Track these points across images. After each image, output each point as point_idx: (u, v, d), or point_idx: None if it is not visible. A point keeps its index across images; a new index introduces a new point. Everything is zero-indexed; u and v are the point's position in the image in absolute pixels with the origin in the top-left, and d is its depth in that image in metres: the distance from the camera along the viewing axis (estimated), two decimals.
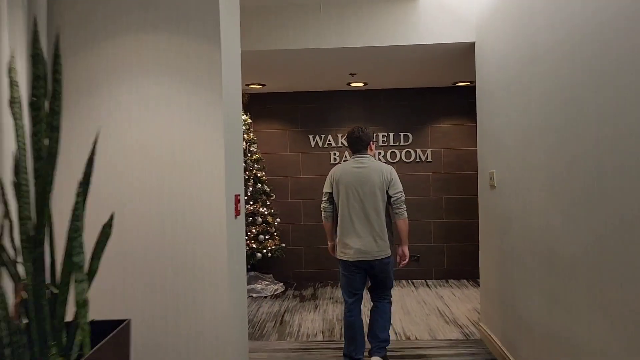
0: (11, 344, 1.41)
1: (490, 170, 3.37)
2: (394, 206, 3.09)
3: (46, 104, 1.51)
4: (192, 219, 2.37)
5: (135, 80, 2.37)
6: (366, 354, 3.21)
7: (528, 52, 2.62)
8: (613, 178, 1.80)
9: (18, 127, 1.51)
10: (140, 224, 2.37)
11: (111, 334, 1.54)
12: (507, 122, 3.00)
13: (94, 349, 1.44)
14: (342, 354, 3.24)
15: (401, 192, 3.10)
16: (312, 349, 3.59)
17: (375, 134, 5.73)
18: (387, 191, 3.08)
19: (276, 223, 5.39)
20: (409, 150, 5.81)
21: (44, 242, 1.48)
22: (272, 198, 5.52)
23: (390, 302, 3.26)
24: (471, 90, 5.29)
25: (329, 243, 3.35)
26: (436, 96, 5.79)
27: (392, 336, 3.63)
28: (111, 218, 1.66)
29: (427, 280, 5.78)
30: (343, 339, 3.42)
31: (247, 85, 5.33)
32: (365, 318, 3.51)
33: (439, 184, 5.82)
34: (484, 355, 3.37)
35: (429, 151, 5.80)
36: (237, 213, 2.65)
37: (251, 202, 5.19)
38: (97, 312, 2.27)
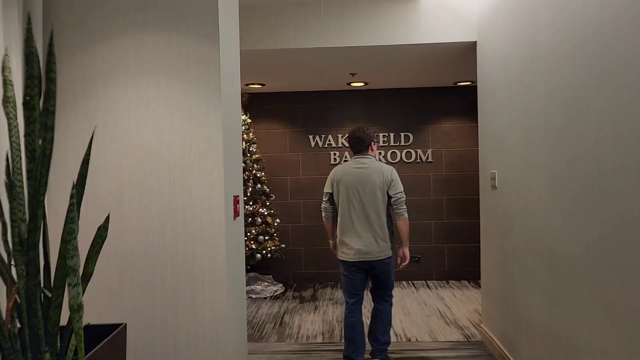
0: (3, 350, 1.38)
1: (491, 171, 3.34)
2: (394, 206, 3.07)
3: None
4: (191, 220, 2.36)
5: (134, 80, 2.36)
6: (367, 355, 3.18)
7: (529, 52, 2.59)
8: (613, 178, 1.79)
9: (11, 127, 1.48)
10: (138, 225, 2.36)
11: (106, 340, 1.50)
12: (508, 121, 2.97)
13: (88, 355, 1.41)
14: (342, 356, 3.21)
15: (401, 192, 3.09)
16: (312, 350, 3.56)
17: (375, 134, 5.69)
18: (387, 192, 3.06)
19: (276, 224, 5.36)
20: (410, 150, 5.78)
21: (37, 245, 1.45)
22: (271, 198, 5.49)
23: (391, 304, 3.25)
24: (472, 90, 5.26)
25: (330, 242, 3.34)
26: (437, 96, 5.76)
27: (392, 338, 3.60)
28: (107, 220, 1.63)
29: (427, 281, 5.75)
30: (343, 340, 3.39)
31: (247, 85, 5.30)
32: (366, 319, 3.48)
33: (439, 185, 5.78)
34: (485, 358, 3.34)
35: (429, 151, 5.77)
36: (236, 214, 2.62)
37: (251, 203, 5.16)
38: (96, 312, 2.27)
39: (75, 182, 1.50)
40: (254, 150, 5.28)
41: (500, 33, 3.12)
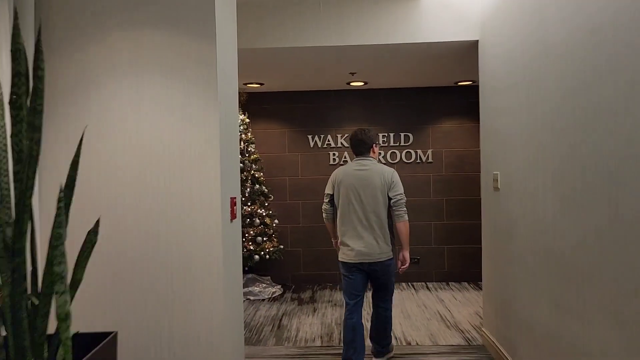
0: None
1: (494, 172, 3.28)
2: (394, 208, 3.05)
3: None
4: (187, 222, 2.31)
5: (128, 79, 2.30)
6: (368, 355, 3.14)
7: (536, 48, 2.52)
8: (622, 181, 1.73)
9: None
10: (132, 228, 2.30)
11: (94, 349, 1.44)
12: (513, 121, 2.90)
13: None
14: None
15: (402, 194, 3.07)
16: (310, 354, 3.51)
17: (376, 135, 5.63)
18: (387, 194, 3.04)
19: (274, 224, 5.29)
20: (410, 150, 5.72)
21: (24, 251, 1.39)
22: (270, 199, 5.43)
23: (391, 307, 3.22)
24: (473, 89, 5.19)
25: (333, 240, 3.34)
26: (437, 96, 5.70)
27: (392, 341, 3.54)
28: (97, 224, 1.56)
29: (427, 283, 5.69)
30: (342, 344, 3.33)
31: (245, 84, 5.23)
32: (366, 322, 3.42)
33: (439, 185, 5.73)
34: None
35: (429, 152, 5.71)
36: (233, 216, 2.56)
37: (249, 203, 5.10)
38: (91, 314, 2.23)
39: (63, 185, 1.44)
40: (253, 150, 5.22)
41: (503, 30, 3.05)
